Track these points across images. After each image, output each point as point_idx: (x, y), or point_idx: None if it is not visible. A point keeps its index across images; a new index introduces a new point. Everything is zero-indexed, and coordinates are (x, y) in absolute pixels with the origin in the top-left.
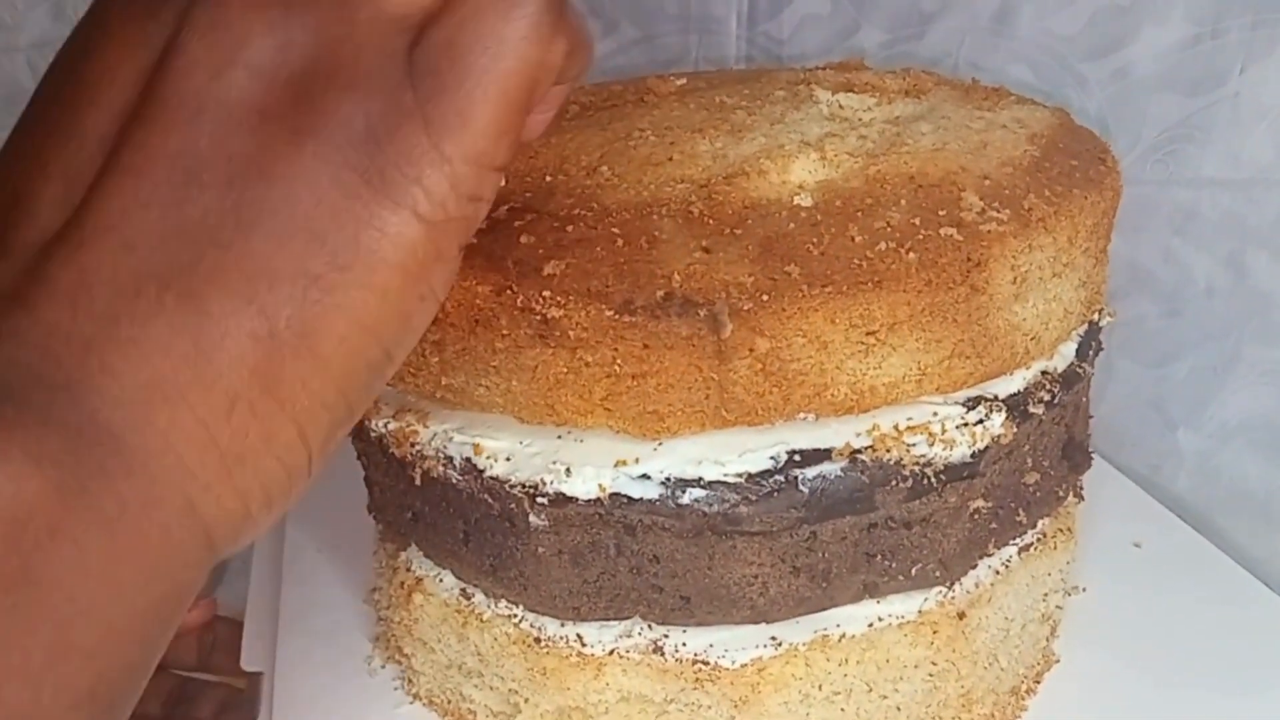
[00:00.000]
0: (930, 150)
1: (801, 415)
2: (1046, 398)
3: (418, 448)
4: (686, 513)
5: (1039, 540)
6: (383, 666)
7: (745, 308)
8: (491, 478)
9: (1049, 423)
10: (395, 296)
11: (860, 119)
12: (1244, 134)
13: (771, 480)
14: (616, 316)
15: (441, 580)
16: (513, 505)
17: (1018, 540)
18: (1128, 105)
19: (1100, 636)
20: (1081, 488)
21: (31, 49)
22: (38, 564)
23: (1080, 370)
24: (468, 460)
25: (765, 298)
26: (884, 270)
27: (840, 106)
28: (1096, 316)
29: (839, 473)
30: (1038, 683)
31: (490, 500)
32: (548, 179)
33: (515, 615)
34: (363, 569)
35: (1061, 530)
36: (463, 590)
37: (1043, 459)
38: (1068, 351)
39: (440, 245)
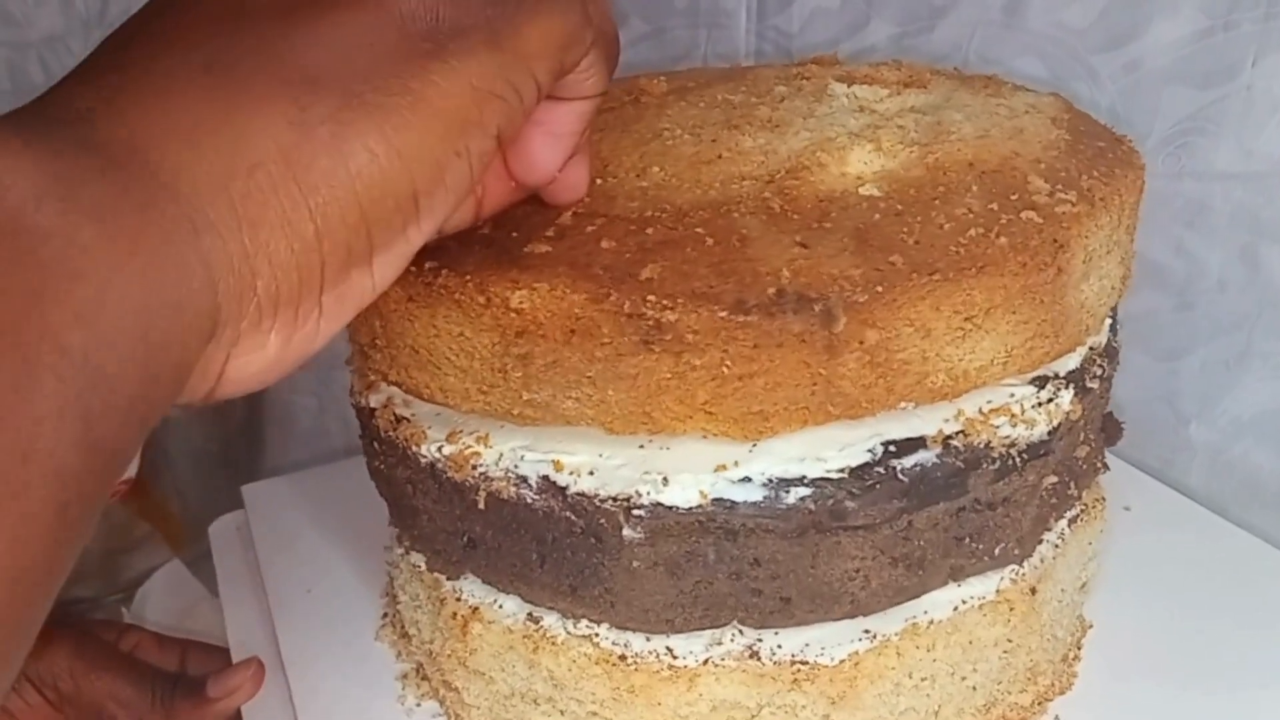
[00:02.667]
0: (975, 138)
1: (902, 405)
2: (1098, 372)
3: (481, 470)
4: (792, 513)
5: (1083, 511)
6: (419, 704)
7: (859, 300)
8: (577, 494)
9: (1097, 396)
10: (432, 139)
11: (886, 110)
12: (1256, 127)
13: (873, 472)
14: (730, 316)
15: (502, 606)
16: (601, 520)
17: (1069, 512)
18: (1139, 98)
19: (1119, 598)
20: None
21: (42, 45)
22: (48, 266)
23: (1115, 344)
24: (545, 478)
25: (878, 289)
26: (981, 255)
27: (858, 98)
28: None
29: (934, 460)
30: (1079, 649)
31: (573, 517)
32: (598, 181)
33: (596, 635)
34: (360, 606)
35: (1097, 500)
36: (530, 614)
37: (1090, 432)
38: (1105, 327)
39: (481, 114)
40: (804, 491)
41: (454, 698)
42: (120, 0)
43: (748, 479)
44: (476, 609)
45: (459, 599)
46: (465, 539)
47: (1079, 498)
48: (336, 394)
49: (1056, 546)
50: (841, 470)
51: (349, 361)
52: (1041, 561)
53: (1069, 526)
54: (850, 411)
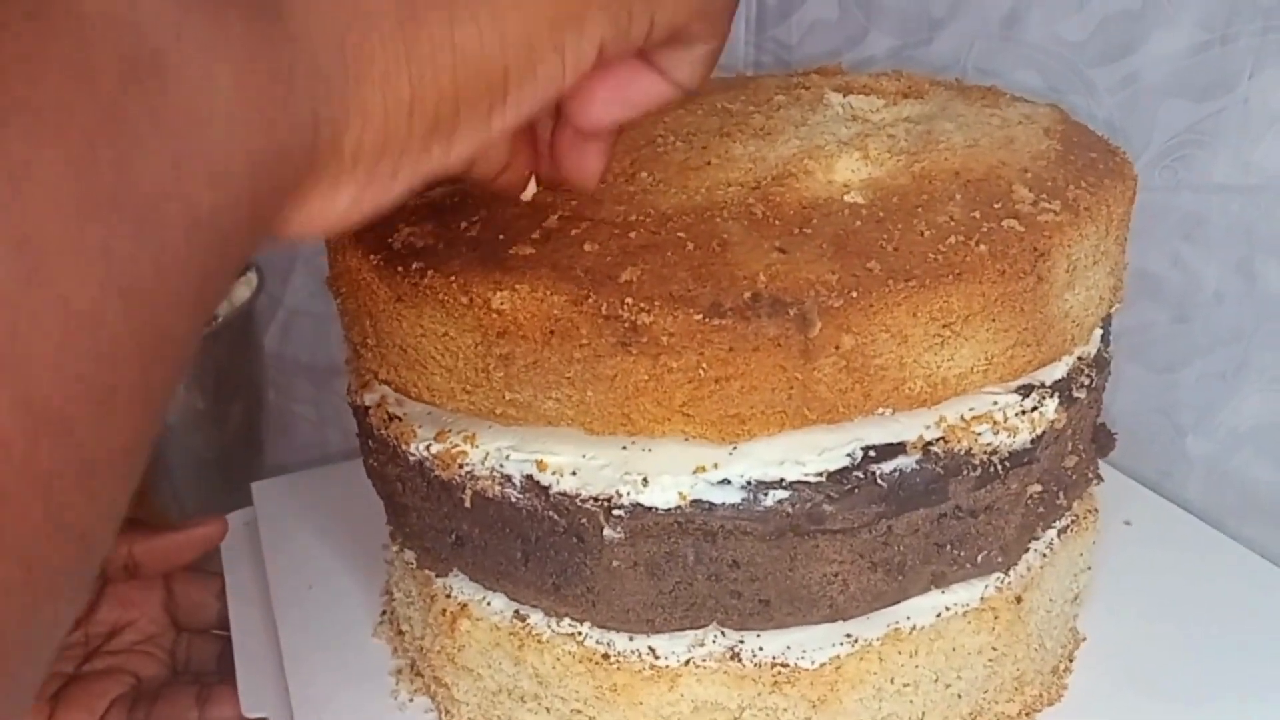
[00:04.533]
0: (964, 147)
1: (880, 410)
2: (1086, 382)
3: (467, 469)
4: (770, 515)
5: (1073, 522)
6: (411, 700)
7: (834, 305)
8: (559, 494)
9: (1085, 406)
10: (537, 27)
11: (880, 119)
12: (1253, 140)
13: (852, 477)
14: (705, 320)
15: (490, 604)
16: (583, 520)
17: (1057, 523)
18: (1137, 111)
19: (1114, 612)
20: (1099, 470)
21: None
22: (183, 111)
23: (1106, 355)
24: (529, 478)
25: (854, 294)
26: (960, 263)
27: (853, 108)
28: (1113, 305)
29: (914, 465)
30: (1071, 661)
31: (556, 516)
32: None
33: (580, 633)
34: (361, 602)
35: (1089, 512)
36: (516, 612)
37: (1079, 442)
38: (1095, 337)
39: (589, 19)
40: (782, 494)
41: (444, 694)
42: None
43: (726, 481)
44: (465, 605)
45: (448, 595)
46: (453, 536)
47: (1068, 508)
48: (335, 403)
49: (1045, 556)
50: (820, 474)
51: (349, 361)
52: (1028, 570)
53: (1058, 537)
54: (827, 416)
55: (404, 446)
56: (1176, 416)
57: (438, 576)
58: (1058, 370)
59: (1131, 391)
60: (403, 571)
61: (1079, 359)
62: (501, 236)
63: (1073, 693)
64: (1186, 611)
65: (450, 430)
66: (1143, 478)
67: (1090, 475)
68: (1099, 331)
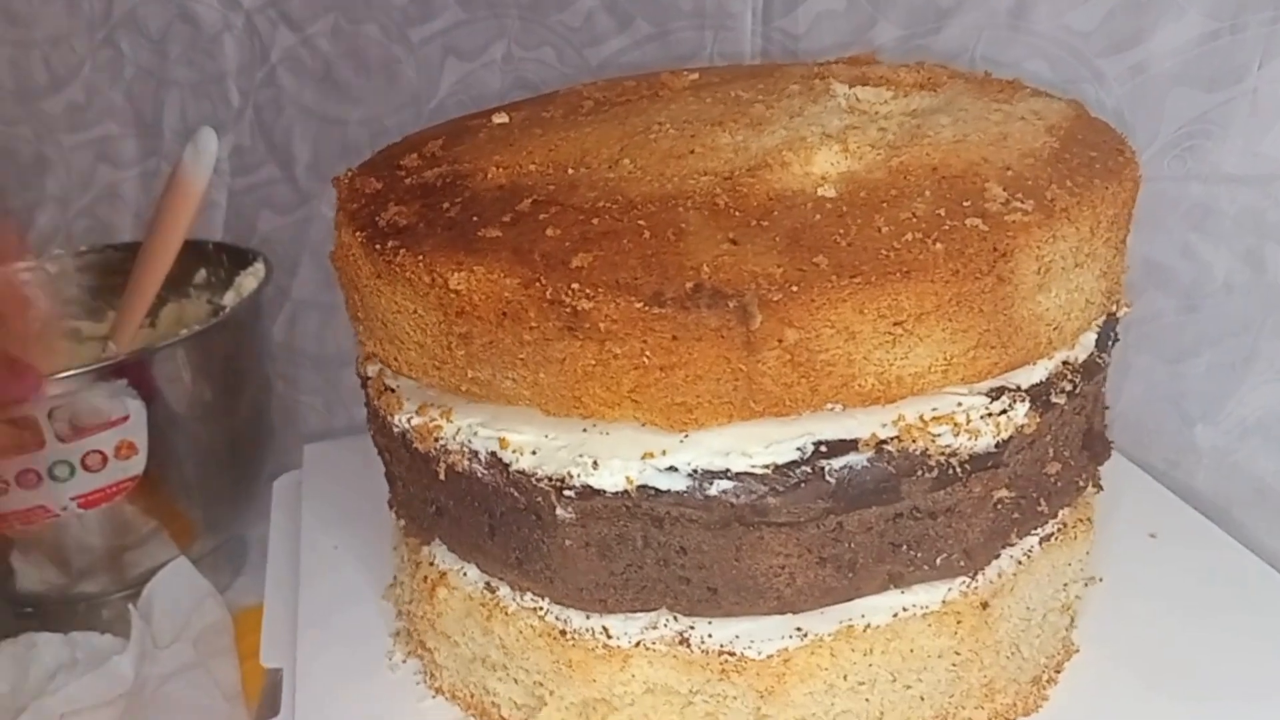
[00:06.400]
0: (951, 142)
1: (829, 406)
2: (1068, 388)
3: (442, 442)
4: (714, 504)
5: (1059, 530)
6: (404, 661)
7: (774, 299)
8: (518, 471)
9: (1070, 413)
10: None
11: (879, 112)
12: (1262, 130)
13: (799, 471)
14: (646, 308)
15: (466, 574)
16: (539, 498)
17: (1039, 530)
18: (1145, 101)
19: (1119, 627)
20: (1100, 478)
21: (46, 43)
22: None
23: (1100, 360)
24: (493, 454)
25: (795, 289)
26: (911, 260)
27: (858, 100)
28: (1114, 308)
29: (865, 463)
30: (1058, 672)
31: (516, 494)
32: (569, 172)
33: (541, 608)
34: (380, 566)
35: (1081, 520)
36: (488, 584)
37: (1064, 449)
38: (1088, 341)
39: None
40: (726, 484)
41: (429, 658)
42: (124, 1)
43: (674, 468)
44: (444, 574)
45: (430, 564)
46: (433, 507)
47: (1052, 515)
48: (343, 395)
49: (1020, 563)
50: (766, 466)
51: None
52: (999, 576)
53: (1040, 544)
54: (774, 409)
55: (391, 417)
56: (1185, 406)
57: (422, 544)
58: (1035, 374)
59: (1140, 381)
60: (399, 538)
61: (1063, 364)
62: (476, 218)
63: (1053, 704)
64: (1192, 615)
65: (430, 404)
66: (1151, 467)
67: (1081, 483)
68: (1091, 335)
